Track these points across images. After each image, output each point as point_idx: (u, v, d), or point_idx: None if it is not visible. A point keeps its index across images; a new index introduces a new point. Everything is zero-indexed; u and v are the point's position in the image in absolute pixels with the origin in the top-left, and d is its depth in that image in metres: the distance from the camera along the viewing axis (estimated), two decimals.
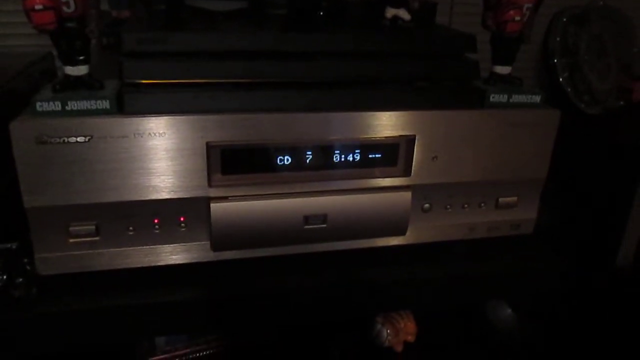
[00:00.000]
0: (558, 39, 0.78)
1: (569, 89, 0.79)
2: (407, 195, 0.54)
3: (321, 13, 0.62)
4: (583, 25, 0.80)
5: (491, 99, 0.54)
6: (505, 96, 0.54)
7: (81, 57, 0.46)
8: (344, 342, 0.76)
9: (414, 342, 0.77)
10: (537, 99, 0.55)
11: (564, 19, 0.79)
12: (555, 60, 0.79)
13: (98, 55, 0.66)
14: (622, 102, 0.82)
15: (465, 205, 0.58)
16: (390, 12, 0.54)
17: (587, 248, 0.82)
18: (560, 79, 0.79)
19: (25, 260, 0.50)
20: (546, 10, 0.77)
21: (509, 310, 0.87)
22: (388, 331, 0.74)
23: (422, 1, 0.56)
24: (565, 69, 0.79)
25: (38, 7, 0.42)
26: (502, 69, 0.56)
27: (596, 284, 0.89)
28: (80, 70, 0.47)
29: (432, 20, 0.59)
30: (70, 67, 0.46)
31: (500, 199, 0.58)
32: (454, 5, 0.87)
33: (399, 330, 0.75)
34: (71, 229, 0.49)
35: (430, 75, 0.54)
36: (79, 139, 0.45)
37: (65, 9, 0.44)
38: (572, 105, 0.80)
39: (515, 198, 0.59)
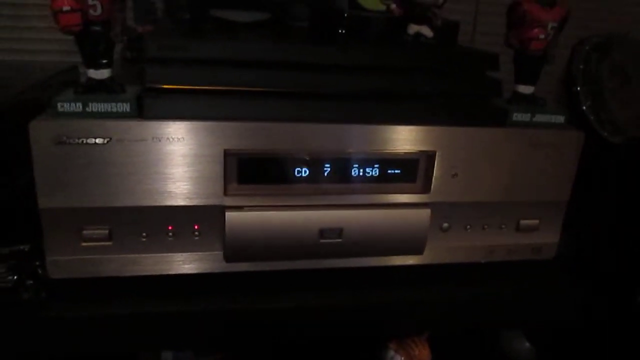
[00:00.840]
0: (581, 66, 0.78)
1: (592, 117, 0.78)
2: (426, 213, 0.53)
3: (343, 31, 0.62)
4: (606, 54, 0.80)
5: (514, 118, 0.53)
6: (529, 115, 0.54)
7: (104, 61, 0.47)
8: None
9: None
10: (561, 119, 0.54)
11: (587, 47, 0.79)
12: (578, 88, 0.78)
13: (121, 68, 0.67)
14: None
15: (485, 226, 0.56)
16: (412, 28, 0.54)
17: (609, 281, 0.79)
18: (583, 107, 0.78)
19: (37, 263, 0.49)
20: (569, 38, 0.77)
21: (527, 344, 0.84)
22: (402, 358, 0.72)
23: (445, 20, 0.56)
24: (588, 97, 0.78)
25: (66, 8, 0.42)
26: (525, 89, 0.55)
27: (617, 321, 0.86)
28: (103, 74, 0.47)
29: (455, 39, 0.59)
30: (93, 71, 0.47)
31: (522, 221, 0.57)
32: (477, 25, 0.87)
33: (412, 357, 0.73)
34: (84, 232, 0.48)
35: (451, 92, 0.53)
36: (97, 141, 0.45)
37: (91, 12, 0.44)
38: (595, 134, 0.79)
39: (536, 221, 0.57)
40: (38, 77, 0.70)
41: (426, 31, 0.54)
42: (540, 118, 0.54)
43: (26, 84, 0.66)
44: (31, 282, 0.48)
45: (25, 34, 0.93)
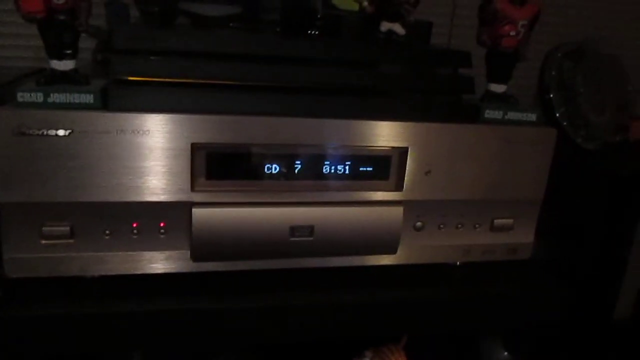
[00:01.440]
0: (554, 72, 0.79)
1: (565, 123, 0.78)
2: (399, 210, 0.52)
3: (316, 32, 0.62)
4: (578, 61, 0.81)
5: (486, 115, 0.53)
6: (501, 112, 0.53)
7: (68, 51, 0.46)
8: None
9: None
10: (533, 117, 0.54)
11: (559, 55, 0.80)
12: (551, 95, 0.79)
13: (92, 71, 0.66)
14: (618, 138, 0.81)
15: (460, 226, 0.55)
16: (385, 26, 0.54)
17: (584, 286, 0.79)
18: (557, 114, 0.79)
19: None
20: (541, 45, 0.78)
21: (505, 353, 0.83)
22: None
23: (418, 19, 0.56)
24: (562, 103, 0.79)
25: None
26: (498, 87, 0.55)
27: (594, 327, 0.85)
28: (67, 64, 0.46)
29: (427, 38, 0.59)
30: (57, 62, 0.46)
31: (496, 221, 0.56)
32: (453, 27, 0.88)
33: None
34: (44, 229, 0.46)
35: (423, 89, 0.53)
36: (59, 132, 0.44)
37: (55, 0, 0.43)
38: (569, 140, 0.79)
39: (511, 220, 0.57)
40: (4, 79, 0.69)
41: (398, 29, 0.54)
42: (512, 116, 0.54)
43: None
44: None
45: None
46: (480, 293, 0.57)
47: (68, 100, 0.44)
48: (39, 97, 0.44)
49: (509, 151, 0.53)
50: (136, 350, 0.59)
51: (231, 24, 0.53)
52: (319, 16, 0.61)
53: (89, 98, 0.45)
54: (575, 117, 0.80)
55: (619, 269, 0.81)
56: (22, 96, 0.44)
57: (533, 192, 0.56)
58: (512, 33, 0.51)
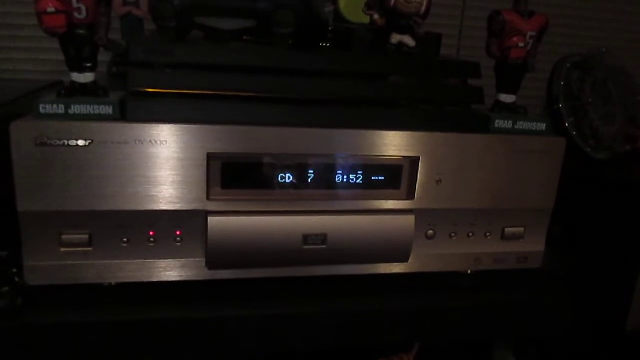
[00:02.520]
0: (562, 83, 0.79)
1: (575, 133, 0.79)
2: (410, 219, 0.53)
3: (327, 45, 0.63)
4: (587, 71, 0.81)
5: (496, 125, 0.54)
6: (510, 122, 0.54)
7: (88, 65, 0.47)
8: None
9: None
10: (542, 126, 0.55)
11: (568, 65, 0.81)
12: (560, 105, 0.80)
13: (108, 84, 0.67)
14: (628, 148, 0.81)
15: (471, 234, 0.56)
16: (395, 38, 0.55)
17: (595, 297, 0.79)
18: (566, 124, 0.79)
19: (14, 270, 0.48)
20: (549, 56, 0.78)
21: None
22: None
23: (428, 31, 0.57)
24: (570, 113, 0.80)
25: (50, 10, 0.43)
26: (507, 98, 0.56)
27: (605, 338, 0.85)
28: (87, 77, 0.47)
29: (438, 49, 0.60)
30: (77, 74, 0.47)
31: (507, 229, 0.57)
32: (462, 38, 0.89)
33: None
34: (64, 237, 0.47)
35: (434, 99, 0.54)
36: (79, 143, 0.45)
37: (76, 14, 0.45)
38: (579, 150, 0.79)
39: (521, 229, 0.57)
40: (23, 91, 0.70)
41: (409, 41, 0.55)
42: (522, 125, 0.54)
43: (11, 96, 0.67)
44: (7, 288, 0.47)
45: (16, 54, 0.93)
46: (491, 301, 0.57)
47: (88, 112, 0.46)
48: (60, 108, 0.45)
49: (519, 160, 0.54)
50: (150, 357, 0.60)
51: (245, 37, 0.54)
52: (330, 29, 0.62)
53: (108, 109, 0.46)
54: (584, 127, 0.80)
55: (631, 279, 0.81)
56: (44, 108, 0.45)
57: (543, 201, 0.57)
58: (521, 44, 0.52)
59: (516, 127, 0.54)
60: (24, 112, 0.47)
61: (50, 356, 0.48)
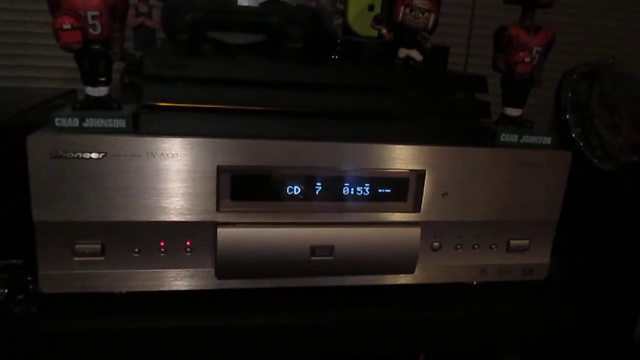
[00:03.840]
0: (570, 94, 0.80)
1: (582, 144, 0.79)
2: (416, 231, 0.54)
3: (336, 57, 0.64)
4: (594, 82, 0.82)
5: (502, 138, 0.55)
6: (516, 136, 0.55)
7: (102, 79, 0.48)
8: None
9: None
10: (548, 140, 0.56)
11: (575, 76, 0.81)
12: (568, 116, 0.80)
13: (120, 94, 0.69)
14: (635, 158, 0.82)
15: (476, 246, 0.57)
16: (403, 52, 0.56)
17: (602, 307, 0.79)
18: (573, 135, 0.80)
19: (29, 278, 0.49)
20: (557, 66, 0.79)
21: None
22: None
23: (435, 44, 0.58)
24: (578, 124, 0.80)
25: (66, 26, 0.44)
26: (513, 111, 0.57)
27: (611, 346, 0.85)
28: (101, 91, 0.48)
29: (445, 63, 0.61)
30: (91, 88, 0.48)
31: (512, 241, 0.57)
32: (470, 50, 0.90)
33: None
34: (77, 246, 0.48)
35: (440, 113, 0.55)
36: (93, 155, 0.46)
37: (91, 30, 0.46)
38: (586, 161, 0.80)
39: (527, 241, 0.58)
40: (37, 100, 0.72)
41: (416, 55, 0.56)
42: (527, 139, 0.55)
43: (25, 106, 0.68)
44: (22, 296, 0.48)
45: (28, 62, 0.95)
46: (497, 312, 0.58)
47: (102, 125, 0.47)
48: (75, 122, 0.46)
49: (524, 174, 0.55)
50: None
51: (257, 51, 0.55)
52: (339, 42, 0.63)
53: (121, 123, 0.47)
54: (592, 137, 0.80)
55: (638, 288, 0.81)
56: (60, 121, 0.46)
57: (548, 213, 0.57)
58: (527, 59, 0.53)
59: (522, 140, 0.55)
60: (39, 120, 0.48)
61: None
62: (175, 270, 0.51)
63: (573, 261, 0.74)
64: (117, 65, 0.68)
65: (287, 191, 0.51)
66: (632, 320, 0.84)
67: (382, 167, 0.52)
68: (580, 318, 0.61)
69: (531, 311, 0.59)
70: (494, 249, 0.57)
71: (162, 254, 0.50)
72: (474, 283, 0.59)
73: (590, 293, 0.76)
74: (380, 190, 0.53)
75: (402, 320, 0.55)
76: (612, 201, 0.78)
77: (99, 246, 0.49)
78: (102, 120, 0.47)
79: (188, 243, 0.51)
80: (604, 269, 0.78)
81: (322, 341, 0.54)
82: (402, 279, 0.56)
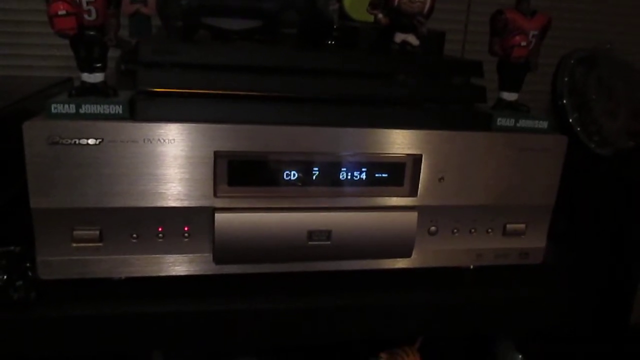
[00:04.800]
0: (567, 79, 0.80)
1: (579, 129, 0.79)
2: (413, 216, 0.54)
3: (332, 42, 0.64)
4: (591, 67, 0.82)
5: (498, 122, 0.55)
6: (512, 120, 0.55)
7: (98, 65, 0.48)
8: None
9: None
10: (544, 124, 0.56)
11: (572, 61, 0.81)
12: (564, 101, 0.80)
13: (116, 81, 0.69)
14: (632, 144, 0.82)
15: (473, 230, 0.57)
16: (399, 37, 0.56)
17: (599, 291, 0.80)
18: (570, 120, 0.80)
19: (27, 264, 0.50)
20: (554, 51, 0.79)
21: (519, 355, 0.84)
22: None
23: (431, 29, 0.58)
24: (575, 109, 0.80)
25: (61, 12, 0.44)
26: (509, 96, 0.57)
27: (606, 332, 0.86)
28: (97, 77, 0.48)
29: (441, 48, 0.61)
30: (87, 74, 0.48)
31: (508, 225, 0.57)
32: (468, 34, 0.90)
33: None
34: (75, 233, 0.49)
35: (437, 98, 0.55)
36: (90, 142, 0.46)
37: (86, 16, 0.46)
38: (583, 146, 0.80)
39: (523, 225, 0.58)
40: (33, 89, 0.72)
41: (412, 40, 0.56)
42: (524, 123, 0.55)
43: (22, 94, 0.68)
44: (21, 282, 0.48)
45: (24, 50, 0.95)
46: (493, 296, 0.58)
47: (98, 111, 0.47)
48: (71, 108, 0.46)
49: (520, 158, 0.55)
50: (159, 349, 0.61)
51: (253, 37, 0.55)
52: (335, 27, 0.63)
53: (118, 109, 0.47)
54: (589, 123, 0.81)
55: (634, 272, 0.81)
56: (56, 107, 0.46)
57: (545, 197, 0.57)
58: (523, 43, 0.53)
59: (518, 125, 0.55)
60: (35, 109, 0.48)
61: (63, 348, 0.49)
62: (173, 255, 0.51)
63: (569, 246, 0.75)
64: (113, 53, 0.68)
65: (285, 176, 0.51)
66: (628, 306, 0.85)
67: (379, 151, 0.52)
68: (576, 303, 0.62)
69: (527, 296, 0.59)
70: (491, 233, 0.58)
71: (160, 240, 0.51)
72: (471, 267, 0.59)
73: (586, 278, 0.76)
74: (377, 175, 0.53)
75: (399, 305, 0.55)
76: (608, 186, 0.78)
77: (97, 232, 0.49)
78: (98, 106, 0.47)
79: (186, 228, 0.51)
80: (600, 254, 0.78)
81: (320, 326, 0.54)
82: (399, 263, 0.56)
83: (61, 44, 0.47)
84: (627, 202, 0.76)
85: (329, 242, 0.52)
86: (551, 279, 0.62)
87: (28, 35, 0.94)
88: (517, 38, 0.53)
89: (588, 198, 0.80)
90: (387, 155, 0.52)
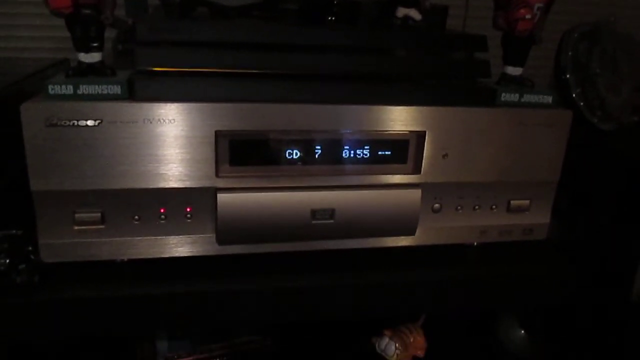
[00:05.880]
0: (570, 53, 0.79)
1: (582, 104, 0.78)
2: (417, 193, 0.53)
3: (333, 18, 0.63)
4: (595, 42, 0.81)
5: (502, 98, 0.54)
6: (517, 95, 0.54)
7: (95, 44, 0.47)
8: (352, 354, 0.74)
9: (422, 358, 0.74)
10: (548, 99, 0.55)
11: (575, 35, 0.80)
12: (568, 76, 0.79)
13: (112, 62, 0.68)
14: (635, 119, 0.81)
15: (477, 207, 0.57)
16: (401, 11, 0.55)
17: (600, 267, 0.80)
18: (573, 95, 0.79)
19: (30, 248, 0.49)
20: (557, 26, 0.78)
21: (521, 332, 0.84)
22: (397, 345, 0.72)
23: (434, 4, 0.57)
24: (578, 84, 0.79)
25: None
26: (514, 70, 0.56)
27: (607, 307, 0.86)
28: (94, 57, 0.47)
29: (443, 22, 0.59)
30: (84, 54, 0.47)
31: (512, 202, 0.57)
32: (468, 8, 0.88)
33: (407, 344, 0.73)
34: (77, 215, 0.48)
35: (440, 73, 0.54)
36: (89, 123, 0.45)
37: None
38: (586, 121, 0.79)
39: (527, 201, 0.58)
40: (30, 70, 0.71)
41: (414, 14, 0.55)
42: (528, 98, 0.54)
43: (17, 76, 0.67)
44: (24, 265, 0.48)
45: (18, 32, 0.93)
46: (497, 273, 0.58)
47: (96, 92, 0.46)
48: (69, 89, 0.46)
49: (525, 133, 0.54)
50: (163, 330, 0.61)
51: (252, 13, 0.54)
52: (335, 3, 0.62)
53: (116, 89, 0.46)
54: (592, 97, 0.79)
55: (636, 248, 0.81)
56: (53, 88, 0.45)
57: (549, 173, 0.57)
58: (528, 16, 0.52)
59: (522, 100, 0.54)
60: (32, 90, 0.47)
61: (67, 331, 0.49)
62: (176, 236, 0.51)
63: (572, 222, 0.74)
64: (109, 34, 0.67)
65: (287, 155, 0.51)
66: (630, 281, 0.85)
67: (382, 129, 0.51)
68: (579, 279, 0.62)
69: (531, 272, 0.59)
70: (495, 210, 0.57)
71: (163, 221, 0.50)
72: (475, 244, 0.59)
73: (588, 254, 0.76)
74: (380, 153, 0.52)
75: (403, 283, 0.55)
76: (611, 162, 0.77)
77: (98, 214, 0.49)
78: (96, 86, 0.46)
79: (188, 209, 0.50)
80: (603, 229, 0.78)
81: (324, 304, 0.54)
82: (403, 241, 0.56)
83: (55, 25, 0.46)
84: (629, 177, 0.76)
85: (332, 221, 0.52)
86: (553, 255, 0.61)
87: (22, 16, 0.92)
88: (522, 11, 0.52)
89: (591, 173, 0.79)
90: (390, 132, 0.51)
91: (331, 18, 0.62)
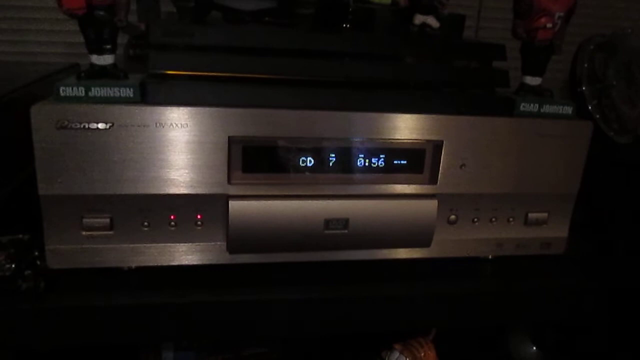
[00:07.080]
0: (586, 65, 0.78)
1: (598, 116, 0.77)
2: (433, 204, 0.52)
3: (348, 25, 0.62)
4: (611, 53, 0.80)
5: (521, 108, 0.53)
6: (536, 106, 0.53)
7: (108, 46, 0.46)
8: None
9: None
10: (568, 110, 0.54)
11: (591, 47, 0.79)
12: (583, 88, 0.78)
13: (125, 66, 0.67)
14: None
15: (493, 219, 0.55)
16: (418, 19, 0.54)
17: (618, 282, 0.78)
18: (589, 107, 0.78)
19: (36, 253, 0.48)
20: (572, 38, 0.77)
21: (533, 348, 0.83)
22: (408, 359, 0.70)
23: (451, 12, 0.56)
24: (594, 96, 0.78)
25: None
26: (533, 80, 0.55)
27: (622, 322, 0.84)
28: (106, 59, 0.46)
29: (461, 31, 0.58)
30: (96, 56, 0.46)
31: (530, 214, 0.56)
32: (480, 21, 0.87)
33: (418, 359, 0.71)
34: (85, 220, 0.47)
35: (458, 82, 0.53)
36: (100, 126, 0.44)
37: None
38: (602, 134, 0.78)
39: (545, 214, 0.56)
40: (41, 74, 0.70)
41: (432, 22, 0.54)
42: (547, 109, 0.53)
43: (29, 79, 0.66)
44: (29, 271, 0.47)
45: (29, 37, 0.93)
46: (512, 288, 0.56)
47: (108, 95, 0.45)
48: (80, 91, 0.45)
49: (544, 144, 0.53)
50: (170, 340, 0.60)
51: (266, 18, 0.53)
52: (351, 9, 0.61)
53: (129, 92, 0.45)
54: (608, 110, 0.78)
55: None
56: (64, 90, 0.44)
57: (568, 186, 0.55)
58: (549, 25, 0.51)
59: (542, 110, 0.53)
60: (42, 94, 0.46)
61: (72, 339, 0.48)
62: (185, 244, 0.50)
63: (590, 236, 0.73)
64: (121, 40, 0.67)
65: (301, 163, 0.49)
66: None
67: (398, 137, 0.50)
68: (596, 296, 0.60)
69: (548, 288, 0.58)
70: (512, 222, 0.56)
71: (173, 228, 0.49)
72: (490, 257, 0.58)
73: (606, 268, 0.75)
74: (395, 162, 0.51)
75: (416, 295, 0.54)
76: (628, 175, 0.76)
77: (107, 220, 0.47)
78: (108, 89, 0.45)
79: (199, 216, 0.49)
80: (621, 244, 0.76)
81: (336, 317, 0.52)
82: (418, 253, 0.55)
83: (66, 30, 0.45)
84: None
85: (346, 231, 0.51)
86: (570, 269, 0.60)
87: (33, 21, 0.92)
88: (543, 20, 0.50)
89: (607, 186, 0.78)
90: (406, 141, 0.50)
91: (346, 25, 0.62)
